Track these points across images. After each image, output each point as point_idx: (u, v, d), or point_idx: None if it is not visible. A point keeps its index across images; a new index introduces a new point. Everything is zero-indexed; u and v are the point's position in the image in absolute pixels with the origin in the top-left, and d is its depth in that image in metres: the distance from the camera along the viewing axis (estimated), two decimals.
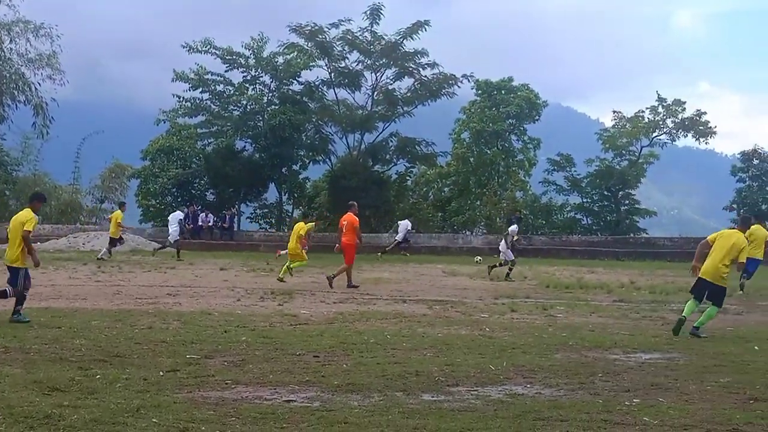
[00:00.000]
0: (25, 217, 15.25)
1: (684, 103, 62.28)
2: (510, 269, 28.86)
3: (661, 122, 62.28)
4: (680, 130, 62.35)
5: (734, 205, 65.02)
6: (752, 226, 26.91)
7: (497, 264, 29.53)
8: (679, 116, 62.03)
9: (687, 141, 66.85)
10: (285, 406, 8.75)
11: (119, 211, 37.24)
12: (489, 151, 62.63)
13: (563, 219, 61.97)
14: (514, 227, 30.32)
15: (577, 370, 10.98)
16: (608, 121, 69.18)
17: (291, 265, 26.91)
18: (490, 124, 60.80)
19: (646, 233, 60.84)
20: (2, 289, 15.17)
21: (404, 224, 45.00)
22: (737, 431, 7.95)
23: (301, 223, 28.50)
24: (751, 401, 9.22)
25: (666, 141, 63.56)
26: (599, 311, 18.64)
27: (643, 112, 62.98)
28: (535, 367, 11.10)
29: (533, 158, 65.82)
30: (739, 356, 12.32)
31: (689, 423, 8.19)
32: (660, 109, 62.22)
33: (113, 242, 35.61)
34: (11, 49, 57.18)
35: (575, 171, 62.53)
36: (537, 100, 63.02)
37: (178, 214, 40.36)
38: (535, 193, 64.40)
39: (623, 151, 62.62)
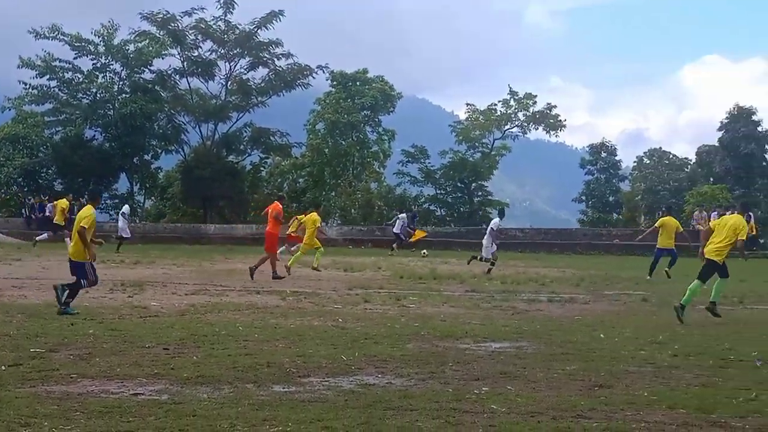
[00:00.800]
0: (84, 214, 16.10)
1: (535, 96, 63.86)
2: (492, 264, 28.00)
3: (512, 115, 63.68)
4: (531, 123, 63.89)
5: (583, 197, 67.04)
6: (663, 218, 28.29)
7: (478, 257, 29.04)
8: (531, 109, 63.56)
9: (538, 134, 68.68)
10: (132, 400, 8.53)
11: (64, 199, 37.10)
12: (344, 143, 62.88)
13: (418, 210, 62.62)
14: (496, 220, 29.85)
15: (429, 359, 11.04)
16: (462, 114, 70.32)
17: (289, 263, 26.37)
18: (345, 116, 61.04)
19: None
20: (74, 282, 15.97)
21: (402, 217, 43.71)
22: (582, 417, 8.09)
23: (315, 214, 28.00)
24: (595, 388, 9.43)
25: (518, 134, 65.12)
26: (451, 301, 18.84)
27: (495, 105, 64.24)
28: (387, 357, 11.11)
29: (388, 150, 66.37)
30: (585, 344, 12.60)
31: (536, 410, 8.31)
32: (512, 103, 63.58)
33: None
34: None
35: (429, 163, 63.32)
36: (392, 92, 63.58)
37: (126, 208, 40.60)
38: (390, 184, 64.92)
39: (476, 144, 63.76)
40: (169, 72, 58.69)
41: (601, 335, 13.62)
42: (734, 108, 64.26)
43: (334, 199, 61.31)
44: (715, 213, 45.84)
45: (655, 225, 28.83)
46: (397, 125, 67.95)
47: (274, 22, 57.38)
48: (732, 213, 20.17)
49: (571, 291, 22.07)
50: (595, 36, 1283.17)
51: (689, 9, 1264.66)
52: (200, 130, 59.68)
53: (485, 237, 28.78)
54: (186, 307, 16.66)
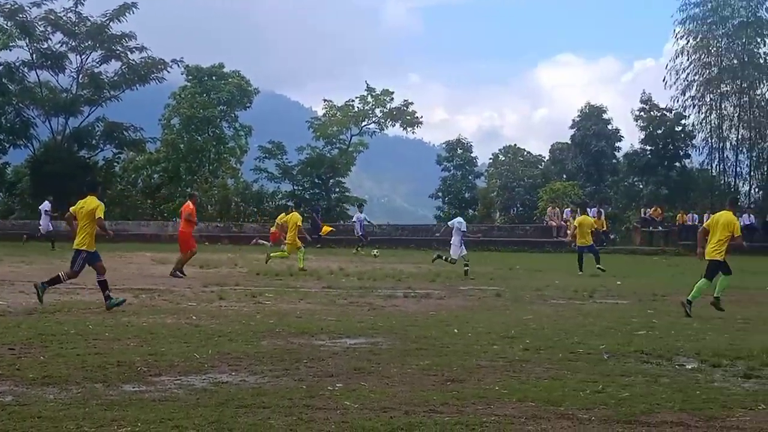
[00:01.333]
0: (94, 204, 16.53)
1: (392, 93, 64.30)
2: (466, 265, 27.24)
3: (370, 111, 63.92)
4: (388, 120, 64.25)
5: (440, 193, 67.95)
6: (579, 217, 29.13)
7: (443, 257, 28.51)
8: (388, 106, 63.92)
9: (396, 131, 69.05)
10: None
11: None
12: (200, 138, 62.25)
13: (274, 206, 62.31)
14: (460, 219, 29.49)
15: (283, 356, 10.99)
16: (320, 110, 70.36)
17: (273, 254, 28.47)
18: (201, 111, 60.47)
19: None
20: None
21: (359, 218, 43.20)
22: (434, 412, 8.17)
23: (297, 214, 29.01)
24: (448, 383, 9.53)
25: (375, 130, 65.30)
26: (308, 298, 18.82)
27: (353, 101, 64.35)
28: (241, 355, 11.02)
29: (245, 145, 66.00)
30: (439, 339, 12.74)
31: (389, 405, 8.35)
32: (369, 99, 63.87)
33: None
34: None
35: (287, 159, 63.10)
36: (248, 87, 63.27)
37: (45, 204, 40.17)
38: (247, 180, 64.51)
39: (334, 140, 63.80)
40: (17, 64, 56.83)
41: (455, 330, 13.80)
42: (586, 106, 66.25)
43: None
44: (569, 210, 47.24)
45: (574, 224, 29.67)
46: (254, 121, 67.60)
47: (126, 14, 56.30)
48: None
49: (426, 287, 22.31)
50: (451, 34, 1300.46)
51: (543, 8, 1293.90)
52: (50, 125, 58.06)
53: (453, 237, 28.26)
54: (34, 306, 16.16)
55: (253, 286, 21.57)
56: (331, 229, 45.60)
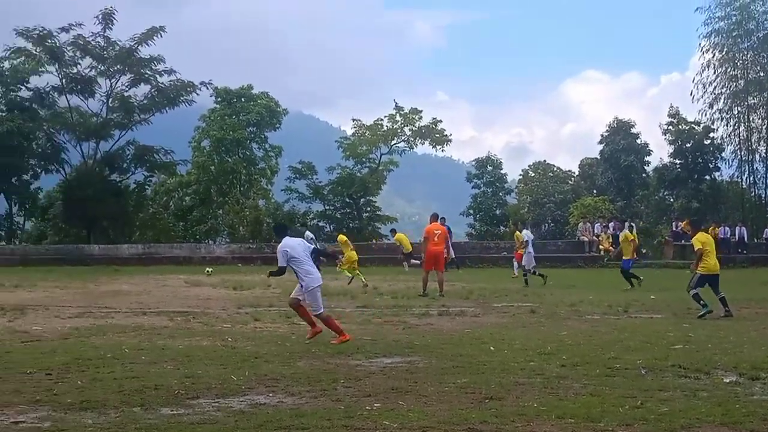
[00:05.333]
0: None
1: (421, 111, 64.31)
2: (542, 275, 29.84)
3: (399, 130, 63.91)
4: (418, 138, 64.19)
5: (471, 211, 67.82)
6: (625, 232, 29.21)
7: (531, 272, 30.06)
8: (417, 124, 63.89)
9: (425, 148, 69.09)
10: (12, 428, 8.25)
11: None
12: (230, 160, 62.46)
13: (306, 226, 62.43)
14: (527, 231, 31.82)
15: (320, 377, 10.94)
16: (349, 130, 70.51)
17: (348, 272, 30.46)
18: (231, 132, 60.65)
19: (388, 240, 62.21)
20: None
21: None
22: (473, 430, 8.10)
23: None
24: (486, 400, 9.45)
25: (405, 148, 65.27)
26: (343, 317, 18.72)
27: (381, 120, 64.38)
28: (278, 376, 10.97)
29: (275, 166, 66.16)
30: (475, 357, 12.64)
31: (428, 425, 8.28)
32: (398, 118, 63.86)
33: None
34: None
35: (317, 179, 63.20)
36: (277, 108, 63.45)
37: None
38: (278, 201, 64.63)
39: (364, 159, 63.81)
40: (47, 89, 57.35)
41: (491, 348, 13.69)
42: (614, 121, 65.98)
43: (222, 217, 60.76)
44: (599, 224, 46.98)
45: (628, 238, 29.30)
46: (284, 141, 67.80)
47: (155, 38, 56.71)
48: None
49: (460, 304, 22.19)
50: (477, 51, 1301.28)
51: (567, 25, 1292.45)
52: (81, 149, 58.48)
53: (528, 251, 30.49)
54: (69, 330, 16.24)
55: (287, 307, 21.49)
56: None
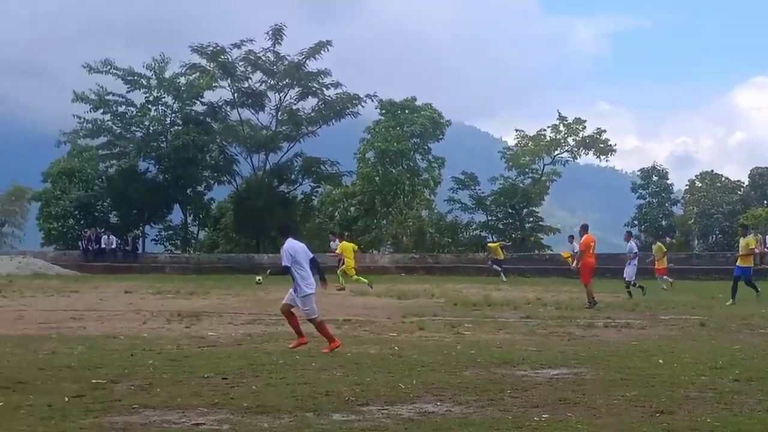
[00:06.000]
0: None
1: (584, 121, 63.49)
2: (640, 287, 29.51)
3: (562, 140, 63.29)
4: (581, 148, 63.45)
5: (635, 222, 66.53)
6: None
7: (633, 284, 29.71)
8: (580, 134, 63.14)
9: (588, 158, 68.15)
10: (194, 430, 8.62)
11: None
12: (394, 171, 62.96)
13: (469, 237, 62.45)
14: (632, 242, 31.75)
15: (486, 386, 11.01)
16: (511, 140, 70.24)
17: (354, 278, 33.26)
18: (395, 144, 61.15)
19: (551, 250, 61.61)
20: None
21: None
22: None
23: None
24: (657, 414, 9.34)
25: (568, 159, 64.60)
26: (506, 328, 18.77)
27: (544, 130, 63.95)
28: (445, 385, 11.09)
29: (438, 177, 66.36)
30: (644, 370, 12.48)
31: None
32: (561, 128, 63.25)
33: None
34: None
35: (480, 189, 63.16)
36: (441, 119, 63.69)
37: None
38: (441, 211, 64.85)
39: (526, 169, 63.45)
40: (220, 104, 59.30)
41: (660, 360, 13.49)
42: None
43: (386, 227, 61.42)
44: None
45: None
46: (446, 152, 67.93)
47: (322, 52, 57.85)
48: None
49: (626, 316, 21.89)
50: (640, 59, 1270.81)
51: (734, 30, 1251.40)
52: (251, 161, 60.18)
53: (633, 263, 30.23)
54: (243, 336, 16.79)
55: (451, 316, 21.68)
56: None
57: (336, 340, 14.77)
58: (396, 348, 15.02)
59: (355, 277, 33.52)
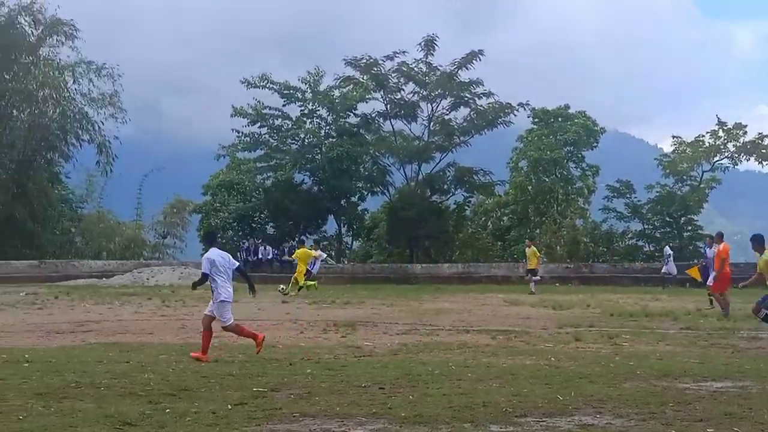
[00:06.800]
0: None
1: (745, 126, 61.41)
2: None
3: (722, 146, 61.40)
4: (742, 154, 61.42)
5: None
6: None
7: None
8: (741, 140, 61.13)
9: (749, 165, 65.92)
10: None
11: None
12: (547, 179, 62.39)
13: (625, 246, 61.29)
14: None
15: (647, 399, 10.79)
16: (667, 146, 68.66)
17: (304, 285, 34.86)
18: (548, 152, 60.61)
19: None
20: None
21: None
22: None
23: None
24: None
25: (728, 165, 62.63)
26: (666, 339, 18.36)
27: (703, 136, 62.16)
28: (604, 397, 10.91)
29: (592, 185, 65.35)
30: None
31: None
32: (720, 133, 61.38)
33: None
34: (75, 89, 58.64)
35: (635, 197, 61.87)
36: (594, 127, 62.81)
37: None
38: (596, 220, 63.88)
39: (684, 177, 61.83)
40: (373, 115, 59.85)
41: None
42: None
43: (539, 237, 60.84)
44: None
45: None
46: (600, 160, 66.88)
47: (474, 62, 57.76)
48: None
49: None
50: None
51: None
52: (404, 171, 60.47)
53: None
54: (398, 346, 16.89)
55: (608, 327, 21.33)
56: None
57: (259, 334, 15.66)
58: (552, 359, 14.87)
59: (308, 283, 35.10)
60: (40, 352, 15.74)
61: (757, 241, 20.55)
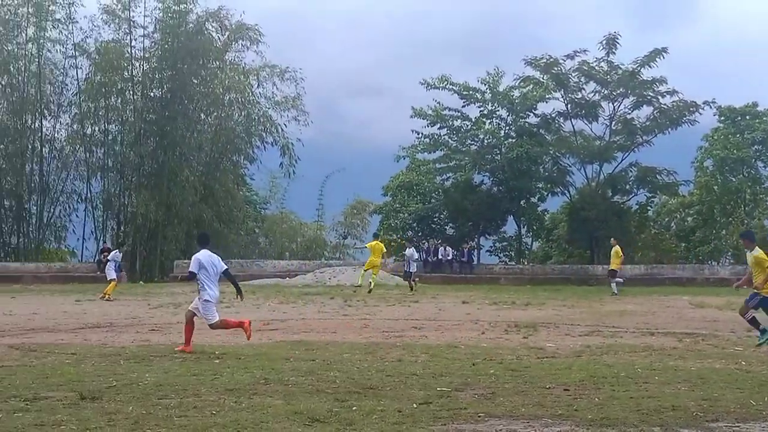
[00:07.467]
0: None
1: None
2: None
3: None
4: None
5: None
6: None
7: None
8: None
9: None
10: None
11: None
12: (734, 179, 60.54)
13: None
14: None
15: None
16: None
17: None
18: (735, 151, 58.74)
19: None
20: None
21: (410, 253, 40.37)
22: None
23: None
24: None
25: None
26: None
27: None
28: None
29: None
30: None
31: None
32: None
33: None
34: (259, 92, 60.36)
35: None
36: None
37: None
38: None
39: None
40: (553, 115, 59.24)
41: None
42: None
43: (726, 238, 59.06)
44: None
45: None
46: None
47: (657, 60, 56.46)
48: None
49: None
50: None
51: None
52: (585, 172, 59.61)
53: None
54: (581, 348, 16.75)
55: None
56: None
57: (244, 320, 16.52)
58: (743, 363, 14.47)
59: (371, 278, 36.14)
60: (230, 349, 16.33)
61: (747, 237, 19.97)
